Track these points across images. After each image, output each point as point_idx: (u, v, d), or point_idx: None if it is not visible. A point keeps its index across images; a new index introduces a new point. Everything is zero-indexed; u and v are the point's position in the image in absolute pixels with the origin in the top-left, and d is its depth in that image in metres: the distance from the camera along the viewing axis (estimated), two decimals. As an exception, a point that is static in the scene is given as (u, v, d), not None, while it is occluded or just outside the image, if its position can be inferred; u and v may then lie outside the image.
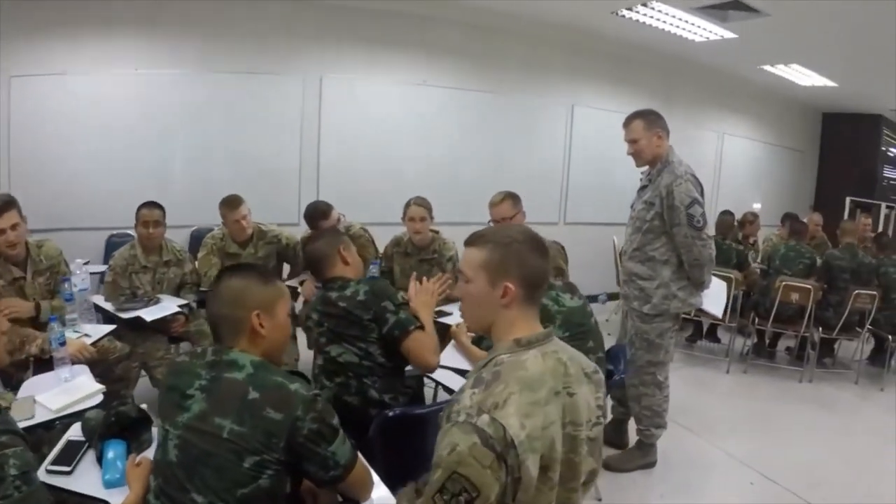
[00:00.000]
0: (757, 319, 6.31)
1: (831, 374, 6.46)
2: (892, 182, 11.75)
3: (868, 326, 6.25)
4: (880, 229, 9.99)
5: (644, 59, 8.03)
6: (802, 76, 8.58)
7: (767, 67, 8.28)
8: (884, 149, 11.34)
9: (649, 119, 3.66)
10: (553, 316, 2.92)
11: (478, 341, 3.22)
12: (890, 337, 6.30)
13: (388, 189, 5.92)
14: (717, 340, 6.95)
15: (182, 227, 5.42)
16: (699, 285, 3.74)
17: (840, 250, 6.37)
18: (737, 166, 10.00)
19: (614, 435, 4.19)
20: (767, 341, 6.75)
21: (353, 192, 6.04)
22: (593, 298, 6.01)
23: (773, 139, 10.66)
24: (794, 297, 5.91)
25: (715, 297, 4.15)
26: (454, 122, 6.92)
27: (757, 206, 9.66)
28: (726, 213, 6.74)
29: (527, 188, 6.93)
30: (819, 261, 6.44)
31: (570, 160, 7.76)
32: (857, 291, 5.95)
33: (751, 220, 7.61)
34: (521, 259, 1.57)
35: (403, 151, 6.61)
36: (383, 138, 6.51)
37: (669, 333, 3.82)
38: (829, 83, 8.74)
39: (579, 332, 2.96)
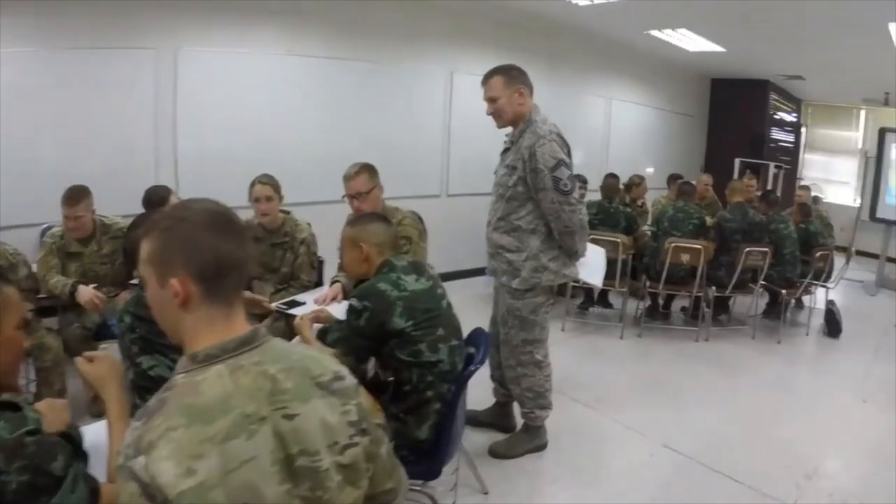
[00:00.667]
0: (648, 282, 6.24)
1: (728, 331, 6.50)
2: (780, 143, 12.16)
3: (762, 282, 6.31)
4: (768, 187, 10.20)
5: (528, 24, 7.80)
6: (690, 41, 8.55)
7: (655, 32, 8.18)
8: (771, 112, 11.76)
9: (510, 75, 3.38)
10: (392, 304, 2.51)
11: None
12: (784, 291, 6.37)
13: (256, 170, 5.04)
14: (610, 305, 6.81)
15: (27, 226, 4.72)
16: (573, 254, 3.50)
17: (730, 210, 6.38)
18: (626, 131, 9.95)
19: (500, 419, 3.98)
20: (661, 303, 6.73)
21: (217, 176, 5.32)
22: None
23: (664, 104, 10.74)
24: (685, 258, 5.86)
25: (592, 266, 3.89)
26: (327, 95, 6.44)
27: (650, 171, 9.76)
28: (611, 176, 6.59)
29: (407, 160, 6.81)
30: (709, 221, 6.45)
31: (450, 129, 7.41)
32: (748, 249, 5.97)
33: (637, 182, 7.57)
34: (190, 243, 1.19)
35: (272, 129, 6.03)
36: (250, 116, 5.90)
37: (544, 308, 3.56)
38: (717, 48, 8.75)
39: (426, 319, 2.57)
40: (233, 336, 1.19)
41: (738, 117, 11.49)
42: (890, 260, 9.85)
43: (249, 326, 1.24)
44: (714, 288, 6.18)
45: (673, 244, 5.84)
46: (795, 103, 12.86)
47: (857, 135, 12.80)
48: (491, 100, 3.40)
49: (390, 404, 2.62)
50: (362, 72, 6.57)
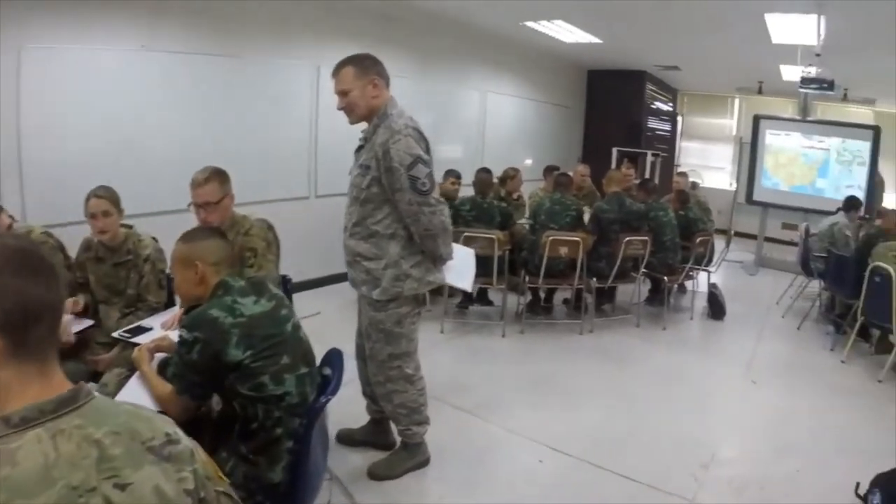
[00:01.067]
0: (528, 277, 6.01)
1: (612, 321, 6.40)
2: (657, 132, 12.47)
3: (643, 270, 6.24)
4: (646, 175, 10.29)
5: (399, 16, 7.52)
6: (567, 33, 8.48)
7: (531, 24, 8.05)
8: (648, 102, 12.02)
9: (362, 65, 3.05)
10: (227, 332, 2.12)
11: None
12: (666, 278, 6.34)
13: (113, 178, 4.17)
14: (490, 303, 6.51)
15: None
16: (437, 259, 3.22)
17: (607, 201, 6.24)
18: (503, 124, 9.81)
19: (377, 436, 3.65)
20: (543, 297, 6.55)
21: (69, 186, 4.50)
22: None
23: (541, 96, 10.67)
24: (563, 250, 5.69)
25: (460, 269, 3.54)
26: (188, 93, 5.83)
27: (528, 163, 9.70)
28: (483, 171, 6.29)
29: (274, 160, 6.48)
30: (588, 211, 6.33)
31: (317, 128, 6.94)
32: (627, 238, 5.87)
33: (512, 175, 7.33)
34: None
35: (130, 131, 5.38)
36: (104, 118, 5.22)
37: (410, 319, 3.23)
38: (594, 39, 8.71)
39: (267, 347, 2.18)
40: (51, 395, 1.00)
41: (615, 107, 11.70)
42: (767, 240, 10.22)
43: (69, 384, 1.05)
44: (595, 279, 6.05)
45: (550, 237, 5.64)
46: (672, 93, 13.23)
47: (731, 122, 13.41)
48: (342, 93, 3.05)
49: (240, 443, 2.24)
50: (225, 68, 6.03)
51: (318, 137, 6.94)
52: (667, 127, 12.83)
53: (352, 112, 3.07)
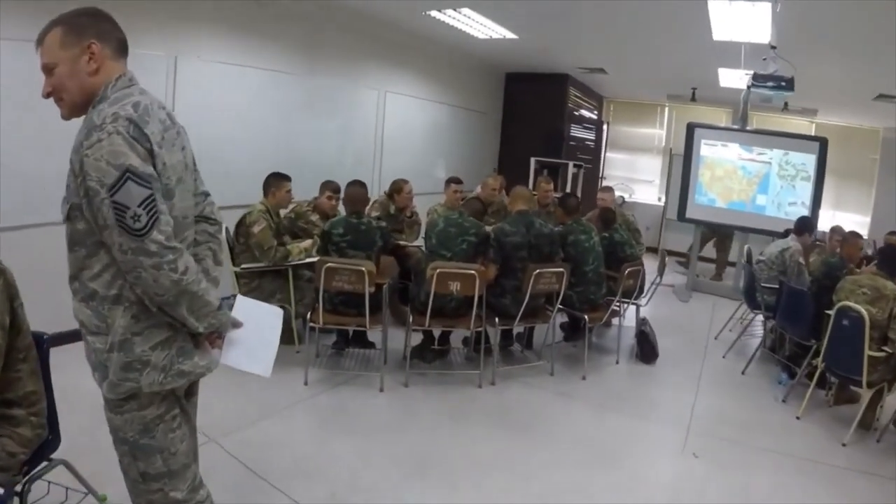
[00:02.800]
0: (413, 316, 4.75)
1: (520, 368, 5.21)
2: (582, 142, 11.62)
3: (559, 306, 5.06)
4: (568, 189, 9.42)
5: (277, 3, 6.31)
6: (478, 26, 7.50)
7: (435, 13, 7.03)
8: (571, 108, 11.07)
9: (76, 25, 1.77)
10: None
11: None
12: (587, 317, 5.20)
13: None
14: (371, 345, 5.18)
15: None
16: (199, 332, 1.90)
17: (510, 222, 4.96)
18: (406, 129, 8.60)
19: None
20: (437, 336, 5.22)
21: None
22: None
23: (452, 100, 9.57)
24: (454, 286, 4.46)
25: (254, 343, 2.08)
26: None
27: (442, 176, 8.48)
28: (355, 185, 4.92)
29: None
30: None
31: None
32: (537, 271, 4.66)
33: (399, 188, 6.09)
34: None
35: None
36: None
37: (166, 425, 1.94)
38: (509, 34, 7.80)
39: None
40: None
41: (535, 114, 10.79)
42: (701, 259, 9.43)
43: None
44: (498, 319, 4.82)
45: (438, 270, 4.40)
46: (597, 100, 12.46)
47: (661, 132, 12.64)
48: (46, 69, 1.77)
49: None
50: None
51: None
52: (591, 136, 12.05)
53: (60, 99, 1.80)
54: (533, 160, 9.80)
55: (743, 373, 5.57)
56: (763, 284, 5.79)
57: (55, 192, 2.05)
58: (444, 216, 5.05)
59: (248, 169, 5.76)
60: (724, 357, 5.97)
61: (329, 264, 4.21)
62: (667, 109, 12.40)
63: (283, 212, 5.38)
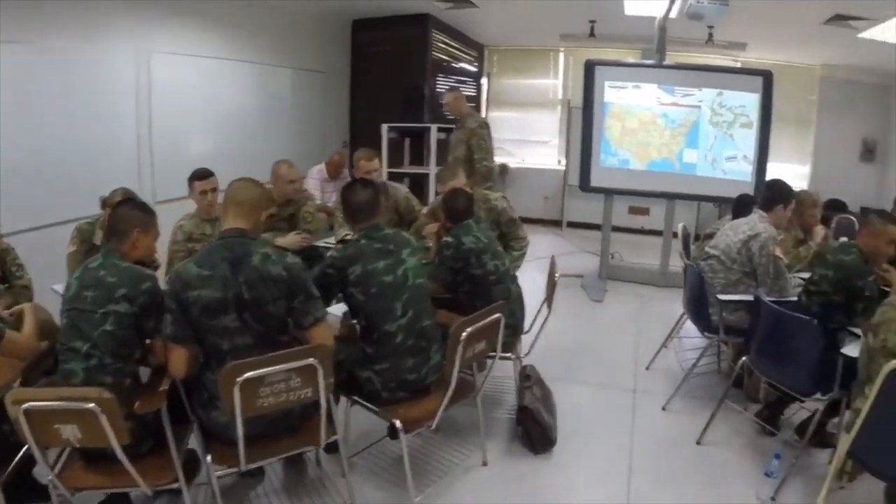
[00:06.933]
0: None
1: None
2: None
3: (357, 400, 2.70)
4: (432, 160, 7.33)
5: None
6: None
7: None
8: (436, 57, 8.78)
9: None
10: None
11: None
12: (397, 422, 2.85)
13: None
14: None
15: None
16: None
17: (203, 259, 2.38)
18: (188, 100, 5.90)
19: None
20: None
21: None
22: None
23: (272, 58, 7.07)
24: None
25: None
26: None
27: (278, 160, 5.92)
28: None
29: None
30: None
31: None
32: (245, 376, 2.35)
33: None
34: None
35: None
36: None
37: None
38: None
39: None
40: None
41: (391, 68, 8.51)
42: (615, 229, 7.51)
43: None
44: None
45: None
46: (477, 49, 10.26)
47: (556, 82, 10.74)
48: None
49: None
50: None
51: None
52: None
53: None
54: (385, 127, 7.52)
55: (699, 442, 3.40)
56: (720, 296, 3.52)
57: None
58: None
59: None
60: (664, 409, 3.78)
61: None
62: (561, 54, 10.45)
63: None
